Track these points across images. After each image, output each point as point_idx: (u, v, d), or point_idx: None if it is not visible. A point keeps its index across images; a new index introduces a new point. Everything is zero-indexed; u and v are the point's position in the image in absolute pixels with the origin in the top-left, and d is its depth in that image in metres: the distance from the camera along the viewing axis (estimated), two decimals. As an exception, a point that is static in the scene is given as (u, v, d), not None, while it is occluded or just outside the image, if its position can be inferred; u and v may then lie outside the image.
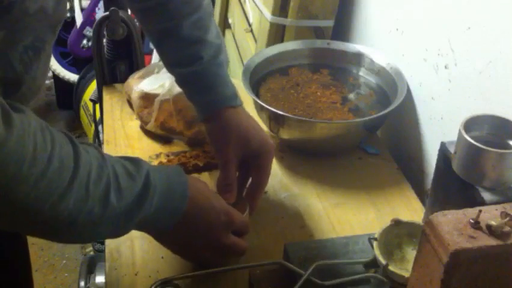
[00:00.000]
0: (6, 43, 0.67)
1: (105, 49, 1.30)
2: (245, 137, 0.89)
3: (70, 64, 2.58)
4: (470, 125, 0.75)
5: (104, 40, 1.30)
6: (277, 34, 1.35)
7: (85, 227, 0.66)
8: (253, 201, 0.90)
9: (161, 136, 1.11)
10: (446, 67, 0.99)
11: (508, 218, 0.55)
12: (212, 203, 0.78)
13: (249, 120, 0.91)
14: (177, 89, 1.10)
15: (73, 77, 2.53)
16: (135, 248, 0.88)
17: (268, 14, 1.34)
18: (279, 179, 1.04)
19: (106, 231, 0.70)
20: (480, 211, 0.56)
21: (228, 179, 0.88)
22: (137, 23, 1.26)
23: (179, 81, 0.95)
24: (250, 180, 0.92)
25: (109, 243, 0.89)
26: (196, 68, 0.90)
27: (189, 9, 0.90)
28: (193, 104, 0.94)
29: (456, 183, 0.76)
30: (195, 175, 1.03)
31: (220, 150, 0.89)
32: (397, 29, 1.16)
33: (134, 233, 0.90)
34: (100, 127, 1.65)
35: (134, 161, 0.73)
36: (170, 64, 0.95)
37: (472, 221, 0.56)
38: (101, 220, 0.67)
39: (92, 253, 2.13)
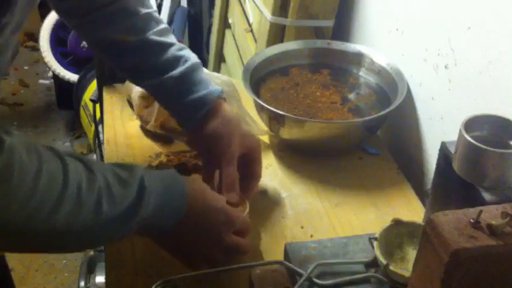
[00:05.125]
0: None
1: (105, 49, 1.30)
2: (241, 130, 0.89)
3: (70, 64, 2.58)
4: (470, 124, 0.75)
5: (104, 40, 1.30)
6: (277, 34, 1.35)
7: (80, 236, 0.67)
8: (249, 193, 0.89)
9: (161, 136, 1.11)
10: (446, 67, 0.99)
11: (508, 218, 0.55)
12: (209, 204, 0.78)
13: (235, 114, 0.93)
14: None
15: (73, 77, 2.53)
16: (135, 248, 0.88)
17: (268, 14, 1.34)
18: (279, 179, 1.04)
19: (103, 237, 0.71)
20: (480, 211, 0.56)
21: (231, 175, 0.86)
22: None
23: (161, 92, 0.92)
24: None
25: (109, 243, 0.89)
26: (182, 68, 0.89)
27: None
28: (183, 109, 0.91)
29: (456, 183, 0.76)
30: (195, 175, 1.03)
31: (224, 144, 0.87)
32: (397, 29, 1.16)
33: (135, 233, 0.90)
34: (100, 127, 1.65)
35: (128, 167, 0.72)
36: (146, 77, 0.91)
37: (472, 221, 0.56)
38: (95, 227, 0.67)
39: (92, 253, 2.12)
